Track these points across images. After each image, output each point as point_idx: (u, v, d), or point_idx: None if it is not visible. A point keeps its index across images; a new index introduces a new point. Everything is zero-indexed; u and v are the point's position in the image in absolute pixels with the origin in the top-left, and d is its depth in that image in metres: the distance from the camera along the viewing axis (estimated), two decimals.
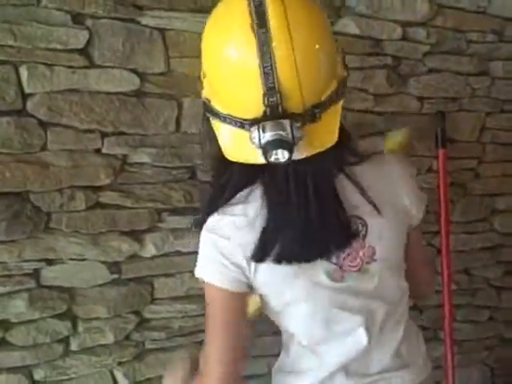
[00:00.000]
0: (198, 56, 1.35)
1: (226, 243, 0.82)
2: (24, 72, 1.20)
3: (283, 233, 0.80)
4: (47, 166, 1.24)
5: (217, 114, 0.77)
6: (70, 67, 1.25)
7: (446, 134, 1.74)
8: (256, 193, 0.83)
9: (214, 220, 0.84)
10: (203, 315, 1.46)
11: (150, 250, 1.37)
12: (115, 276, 1.34)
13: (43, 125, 1.24)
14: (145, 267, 1.38)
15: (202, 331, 1.47)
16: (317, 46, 0.72)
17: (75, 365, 1.30)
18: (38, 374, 1.27)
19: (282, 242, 0.80)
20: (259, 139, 0.70)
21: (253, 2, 0.69)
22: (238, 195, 0.83)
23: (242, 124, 0.74)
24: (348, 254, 0.84)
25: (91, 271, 1.31)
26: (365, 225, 0.85)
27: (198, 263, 0.87)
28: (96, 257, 1.31)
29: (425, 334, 1.05)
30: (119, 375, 1.36)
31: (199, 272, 0.87)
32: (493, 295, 1.97)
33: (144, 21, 1.33)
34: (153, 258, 1.39)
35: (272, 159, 0.71)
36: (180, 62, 1.38)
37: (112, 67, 1.29)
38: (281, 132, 0.70)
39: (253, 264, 0.82)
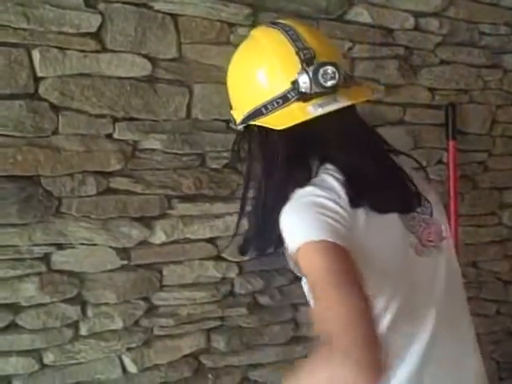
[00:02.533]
0: (211, 44, 1.39)
1: None
2: (36, 55, 1.20)
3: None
4: (59, 150, 1.24)
5: (258, 111, 0.80)
6: (82, 51, 1.25)
7: (456, 126, 1.73)
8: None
9: None
10: (212, 303, 1.49)
11: (159, 236, 1.37)
12: (124, 262, 1.34)
13: (55, 108, 1.23)
14: (154, 254, 1.38)
15: (210, 319, 1.49)
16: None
17: (84, 349, 1.30)
18: (48, 358, 1.27)
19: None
20: (307, 74, 0.75)
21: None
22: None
23: (285, 97, 0.77)
24: (424, 228, 0.84)
25: (101, 256, 1.31)
26: (428, 201, 0.87)
27: None
28: (106, 242, 1.31)
29: None
30: (127, 361, 1.36)
31: None
32: (500, 289, 1.96)
33: (156, 6, 1.32)
34: (162, 244, 1.38)
35: (326, 81, 0.75)
36: (192, 47, 1.38)
37: (124, 52, 1.29)
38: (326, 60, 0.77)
39: None
